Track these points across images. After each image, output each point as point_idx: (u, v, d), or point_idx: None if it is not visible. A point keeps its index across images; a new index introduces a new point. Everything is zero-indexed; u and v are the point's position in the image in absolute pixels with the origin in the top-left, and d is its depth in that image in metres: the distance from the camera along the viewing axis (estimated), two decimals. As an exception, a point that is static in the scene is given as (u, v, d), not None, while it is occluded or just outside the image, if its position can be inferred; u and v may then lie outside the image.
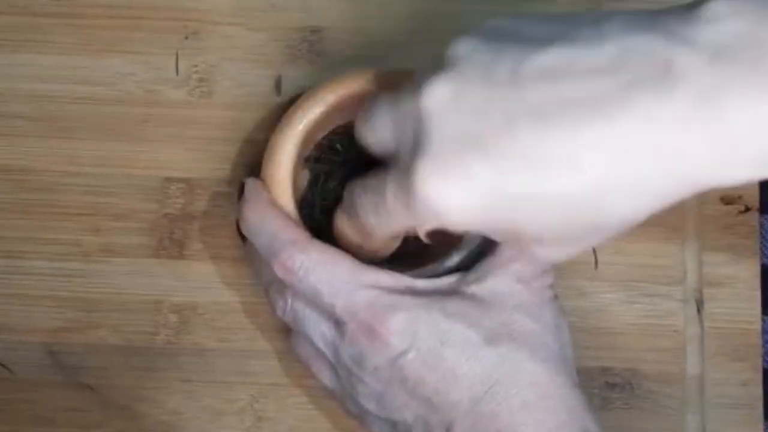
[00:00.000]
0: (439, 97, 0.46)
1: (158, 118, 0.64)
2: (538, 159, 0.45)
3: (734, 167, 0.43)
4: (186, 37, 0.65)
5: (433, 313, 0.52)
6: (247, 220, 0.56)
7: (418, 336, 0.52)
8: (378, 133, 0.50)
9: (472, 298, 0.53)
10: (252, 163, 0.62)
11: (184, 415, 0.60)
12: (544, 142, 0.44)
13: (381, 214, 0.50)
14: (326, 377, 0.56)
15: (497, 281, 0.54)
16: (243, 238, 0.57)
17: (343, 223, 0.55)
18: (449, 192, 0.46)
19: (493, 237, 0.50)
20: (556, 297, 0.55)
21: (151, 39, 0.65)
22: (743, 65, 0.42)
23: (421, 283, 0.54)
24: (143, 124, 0.64)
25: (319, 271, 0.53)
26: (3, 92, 0.64)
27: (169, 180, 0.63)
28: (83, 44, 0.64)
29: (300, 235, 0.54)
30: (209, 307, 0.61)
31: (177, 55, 0.65)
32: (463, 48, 0.47)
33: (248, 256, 0.58)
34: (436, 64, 0.47)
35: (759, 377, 0.61)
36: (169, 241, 0.62)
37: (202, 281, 0.62)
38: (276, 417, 0.60)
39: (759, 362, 0.61)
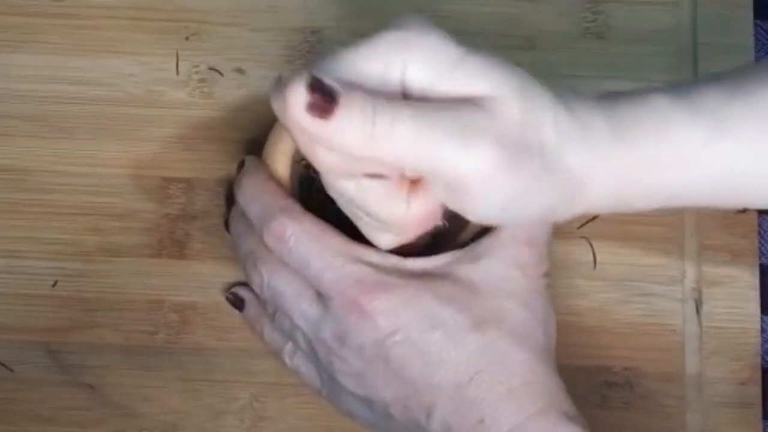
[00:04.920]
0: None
1: (159, 119, 0.64)
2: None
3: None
4: (186, 38, 0.65)
5: (424, 296, 0.52)
6: (244, 188, 0.56)
7: (406, 318, 0.52)
8: None
9: (464, 281, 0.53)
10: (252, 163, 0.62)
11: (184, 414, 0.60)
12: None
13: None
14: (300, 356, 0.57)
15: (492, 264, 0.54)
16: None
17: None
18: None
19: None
20: (549, 286, 0.55)
21: (152, 39, 0.65)
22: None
23: (412, 263, 0.54)
24: (144, 124, 0.64)
25: (310, 241, 0.53)
26: (3, 92, 0.64)
27: (169, 180, 0.63)
28: (83, 45, 0.65)
29: (294, 205, 0.55)
30: (209, 307, 0.61)
31: (177, 55, 0.65)
32: None
33: (231, 233, 0.59)
34: None
35: (758, 376, 0.61)
36: (170, 241, 0.62)
37: (203, 281, 0.62)
38: (276, 416, 0.60)
39: (758, 361, 0.61)
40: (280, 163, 0.57)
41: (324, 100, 0.45)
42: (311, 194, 0.59)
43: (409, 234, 0.52)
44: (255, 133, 0.63)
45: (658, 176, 0.50)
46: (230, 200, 0.59)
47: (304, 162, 0.58)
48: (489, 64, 0.48)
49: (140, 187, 0.63)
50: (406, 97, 0.47)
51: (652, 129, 0.50)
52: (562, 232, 0.62)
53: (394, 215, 0.50)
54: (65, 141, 0.64)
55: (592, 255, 0.62)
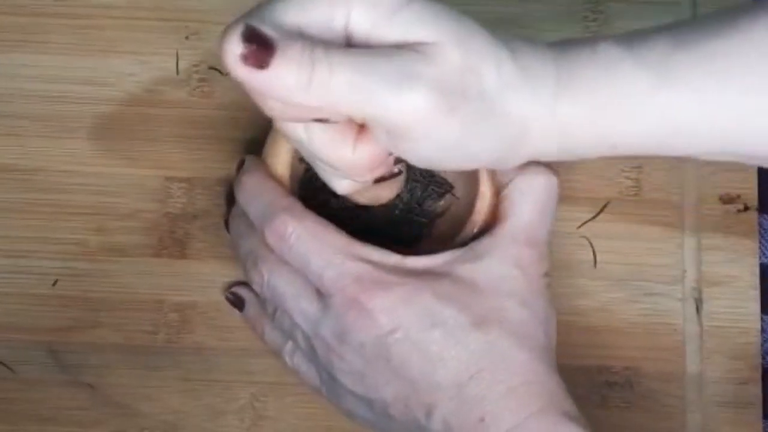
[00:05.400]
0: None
1: (159, 118, 0.64)
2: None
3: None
4: (186, 37, 0.65)
5: (423, 294, 0.52)
6: (245, 187, 0.56)
7: (407, 316, 0.52)
8: None
9: (465, 280, 0.53)
10: (252, 162, 0.62)
11: (185, 413, 0.60)
12: None
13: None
14: (300, 355, 0.57)
15: (493, 263, 0.54)
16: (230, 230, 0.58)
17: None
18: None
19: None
20: (549, 286, 0.55)
21: (152, 39, 0.65)
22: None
23: (412, 261, 0.54)
24: (144, 124, 0.64)
25: (311, 239, 0.54)
26: (5, 92, 0.64)
27: (170, 179, 0.63)
28: (84, 44, 0.65)
29: (295, 203, 0.55)
30: (210, 306, 0.61)
31: (177, 55, 0.65)
32: None
33: (231, 233, 0.59)
34: None
35: (758, 376, 0.61)
36: (170, 241, 0.62)
37: (203, 280, 0.62)
38: (276, 416, 0.60)
39: (758, 361, 0.61)
40: (280, 163, 0.57)
41: (260, 49, 0.45)
42: (311, 193, 0.59)
43: (363, 178, 0.52)
44: (255, 132, 0.63)
45: (603, 123, 0.50)
46: (230, 200, 0.59)
47: (304, 161, 0.58)
48: (431, 11, 0.48)
49: (141, 186, 0.63)
50: (349, 43, 0.48)
51: (598, 76, 0.50)
52: (562, 231, 0.62)
53: (342, 159, 0.50)
54: (67, 140, 0.64)
55: (592, 254, 0.62)
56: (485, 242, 0.54)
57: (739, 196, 0.63)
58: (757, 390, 0.61)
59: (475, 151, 0.50)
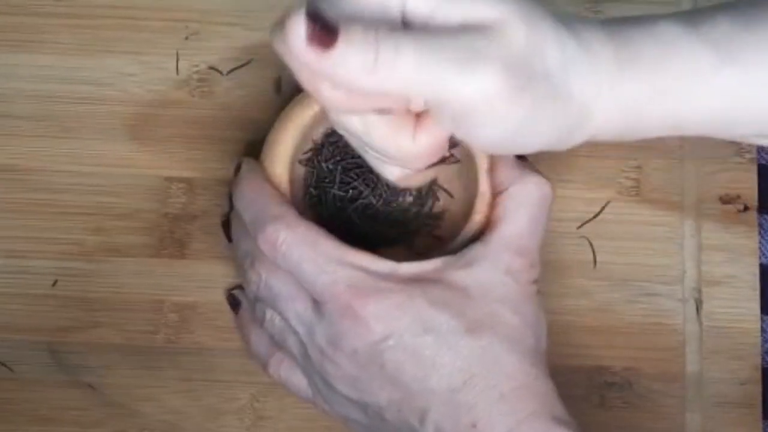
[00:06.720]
0: None
1: (159, 118, 0.64)
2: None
3: None
4: (186, 37, 0.65)
5: (416, 300, 0.52)
6: (241, 192, 0.56)
7: (400, 323, 0.52)
8: None
9: (457, 286, 0.53)
10: (252, 162, 0.62)
11: (184, 413, 0.60)
12: None
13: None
14: (287, 365, 0.57)
15: (484, 270, 0.54)
16: (228, 237, 0.58)
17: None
18: None
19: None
20: (539, 292, 0.55)
21: (152, 39, 0.65)
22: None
23: (405, 267, 0.54)
24: (144, 124, 0.64)
25: (303, 247, 0.53)
26: (4, 92, 0.64)
27: (170, 180, 0.63)
28: (84, 44, 0.65)
29: (288, 211, 0.55)
30: (209, 307, 0.62)
31: (177, 55, 0.65)
32: None
33: (231, 233, 0.58)
34: None
35: (758, 376, 0.61)
36: (170, 241, 0.62)
37: (203, 281, 0.62)
38: (276, 416, 0.60)
39: (758, 361, 0.61)
40: (279, 164, 0.57)
41: (324, 31, 0.44)
42: (312, 197, 0.59)
43: (417, 166, 0.51)
44: (255, 133, 0.63)
45: (665, 102, 0.50)
46: (232, 201, 0.59)
47: (306, 156, 0.58)
48: None
49: (141, 186, 0.63)
50: (406, 27, 0.47)
51: (660, 54, 0.49)
52: (562, 231, 0.62)
53: (401, 149, 0.49)
54: (67, 140, 0.64)
55: (592, 255, 0.62)
56: (477, 249, 0.54)
57: (739, 196, 0.63)
58: (757, 390, 0.61)
59: (538, 133, 0.49)
